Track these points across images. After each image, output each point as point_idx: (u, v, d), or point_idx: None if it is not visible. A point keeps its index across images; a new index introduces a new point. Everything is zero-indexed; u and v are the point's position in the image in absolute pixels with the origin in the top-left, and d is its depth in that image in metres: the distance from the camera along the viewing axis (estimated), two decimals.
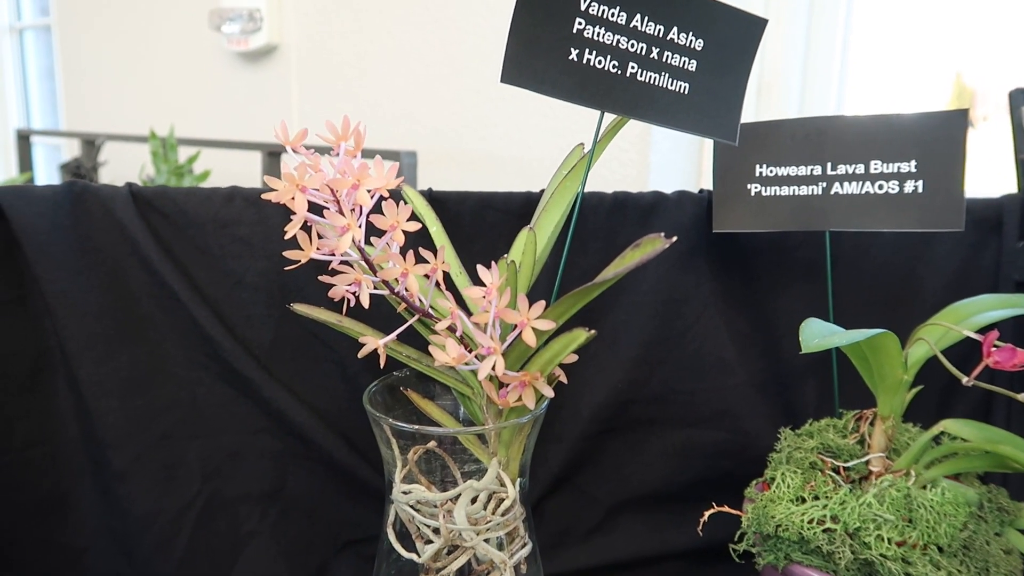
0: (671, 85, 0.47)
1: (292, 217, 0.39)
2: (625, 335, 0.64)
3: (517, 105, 1.27)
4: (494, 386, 0.43)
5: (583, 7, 0.44)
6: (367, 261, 0.41)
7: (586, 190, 0.57)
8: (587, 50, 0.45)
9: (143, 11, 2.18)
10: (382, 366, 0.44)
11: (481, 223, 0.60)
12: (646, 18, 0.45)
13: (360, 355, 0.43)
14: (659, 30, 0.46)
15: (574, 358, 0.44)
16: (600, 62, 0.45)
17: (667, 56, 0.47)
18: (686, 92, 0.48)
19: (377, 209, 0.41)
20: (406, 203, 0.43)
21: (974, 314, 0.51)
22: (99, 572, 0.57)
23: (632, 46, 0.46)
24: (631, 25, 0.45)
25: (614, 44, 0.45)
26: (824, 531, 0.46)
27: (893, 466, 0.50)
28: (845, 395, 0.58)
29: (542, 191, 0.54)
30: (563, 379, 0.47)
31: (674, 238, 0.39)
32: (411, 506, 0.45)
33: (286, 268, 0.42)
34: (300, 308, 0.46)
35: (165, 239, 0.55)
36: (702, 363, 0.65)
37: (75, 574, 0.56)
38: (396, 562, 0.46)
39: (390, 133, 1.49)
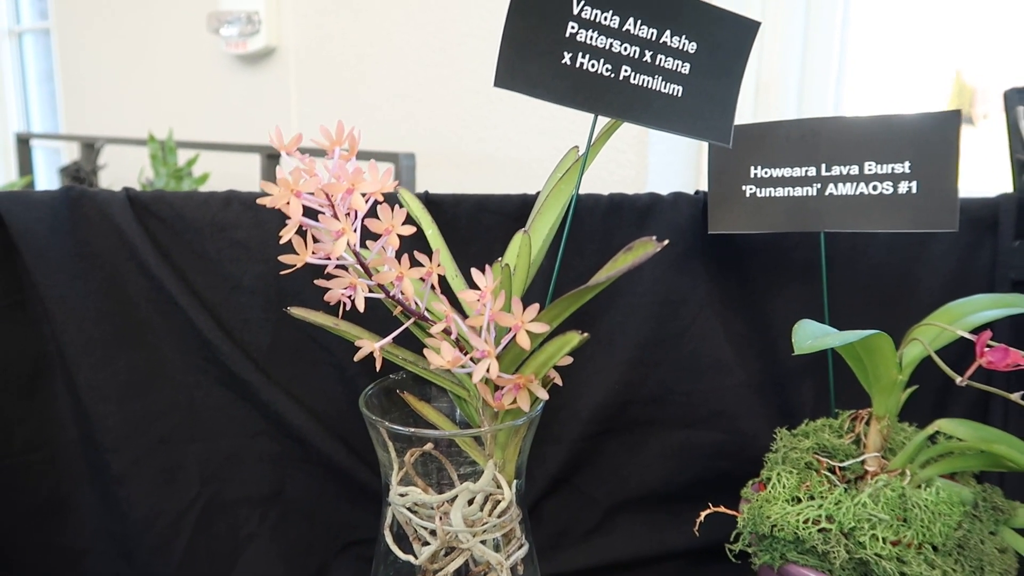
0: (664, 88, 0.48)
1: (288, 221, 0.40)
2: (622, 336, 0.64)
3: (516, 107, 1.27)
4: (489, 389, 0.43)
5: (576, 11, 0.44)
6: (362, 265, 0.41)
7: (584, 192, 0.57)
8: (580, 54, 0.45)
9: (141, 14, 2.19)
10: (378, 369, 0.44)
11: (477, 225, 0.60)
12: (639, 22, 0.45)
13: (356, 358, 0.43)
14: (652, 33, 0.46)
15: (569, 360, 0.44)
16: (593, 66, 0.45)
17: (660, 59, 0.47)
18: (679, 95, 0.48)
19: (372, 213, 0.41)
20: (402, 206, 0.43)
21: (969, 314, 0.51)
22: (99, 575, 0.57)
23: (625, 49, 0.46)
24: (624, 29, 0.45)
25: (607, 48, 0.45)
26: (819, 531, 0.46)
27: (888, 466, 0.50)
28: (843, 395, 0.58)
29: (538, 193, 0.54)
30: (558, 381, 0.47)
31: (665, 242, 0.39)
32: (408, 508, 0.45)
33: (282, 272, 0.42)
34: (296, 312, 0.46)
35: (162, 243, 0.56)
36: (699, 364, 0.65)
37: None
38: (393, 564, 0.47)
39: (389, 135, 1.49)
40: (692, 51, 0.48)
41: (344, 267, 0.42)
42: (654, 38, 0.46)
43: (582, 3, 0.44)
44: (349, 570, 0.62)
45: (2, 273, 0.53)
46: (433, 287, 0.43)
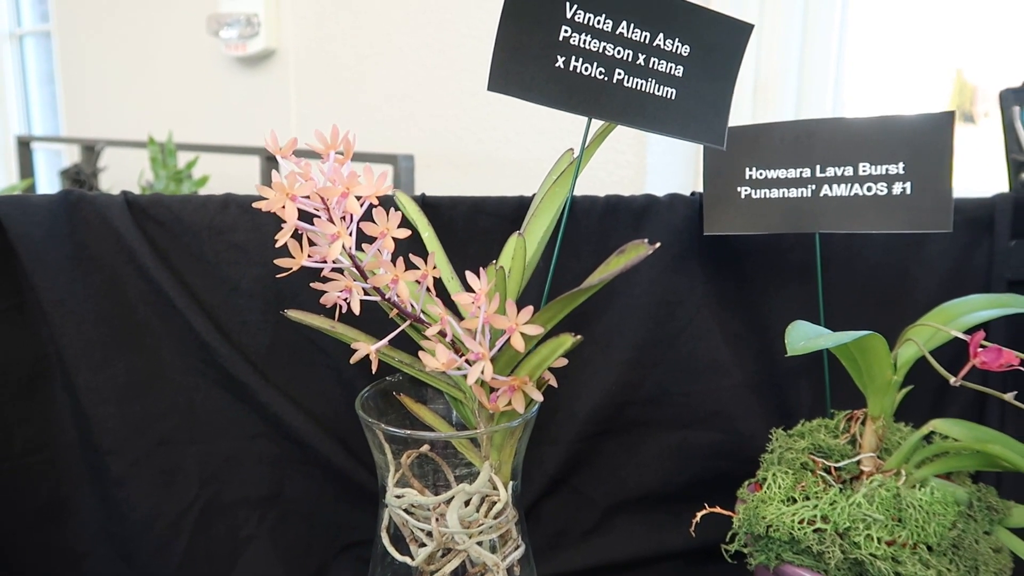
0: (658, 91, 0.48)
1: (283, 225, 0.40)
2: (619, 338, 0.64)
3: (515, 108, 1.27)
4: (484, 391, 0.43)
5: (569, 14, 0.44)
6: (358, 268, 0.41)
7: (581, 193, 0.58)
8: (573, 57, 0.45)
9: (142, 17, 2.19)
10: (374, 371, 0.44)
11: (474, 228, 0.60)
12: (632, 25, 0.46)
13: (352, 360, 0.44)
14: (645, 36, 0.46)
15: (564, 362, 0.44)
16: (587, 69, 0.45)
17: (654, 62, 0.47)
18: (673, 97, 0.48)
19: (368, 216, 0.41)
20: (398, 209, 0.43)
21: (964, 314, 0.52)
22: None
23: (618, 53, 0.46)
24: (617, 32, 0.46)
25: (600, 51, 0.45)
26: (814, 531, 0.46)
27: (883, 466, 0.50)
28: (839, 395, 0.58)
29: (535, 195, 0.54)
30: (553, 383, 0.47)
31: (657, 244, 0.39)
32: (404, 510, 0.46)
33: (279, 275, 0.42)
34: (293, 314, 0.47)
35: (161, 246, 0.56)
36: (696, 365, 0.66)
37: None
38: (390, 565, 0.47)
39: (388, 136, 1.49)
40: (685, 54, 0.48)
41: (340, 270, 0.42)
42: (647, 41, 0.47)
43: (575, 7, 0.44)
44: (348, 571, 0.62)
45: (1, 277, 0.54)
46: (429, 289, 0.43)
